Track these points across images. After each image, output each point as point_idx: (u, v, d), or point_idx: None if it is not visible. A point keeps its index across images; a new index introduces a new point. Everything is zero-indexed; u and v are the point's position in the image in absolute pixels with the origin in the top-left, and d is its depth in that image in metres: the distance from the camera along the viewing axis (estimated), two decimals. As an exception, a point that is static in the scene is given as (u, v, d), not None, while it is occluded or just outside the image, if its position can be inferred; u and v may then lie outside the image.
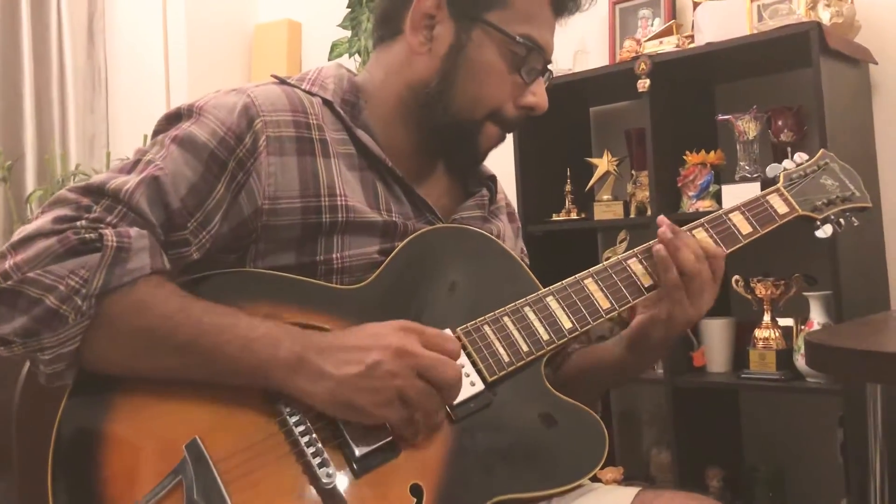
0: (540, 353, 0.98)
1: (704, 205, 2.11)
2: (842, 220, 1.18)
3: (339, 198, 0.98)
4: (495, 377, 0.95)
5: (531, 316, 1.00)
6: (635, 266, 1.05)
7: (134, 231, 0.85)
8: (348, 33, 3.33)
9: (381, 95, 1.06)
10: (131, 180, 0.89)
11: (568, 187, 2.43)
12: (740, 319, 2.18)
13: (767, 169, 1.21)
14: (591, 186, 2.43)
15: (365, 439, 0.87)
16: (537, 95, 1.04)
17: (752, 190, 1.98)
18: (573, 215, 2.40)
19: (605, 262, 1.06)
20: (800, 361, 1.94)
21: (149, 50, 3.58)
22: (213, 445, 0.83)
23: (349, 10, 3.34)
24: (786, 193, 1.15)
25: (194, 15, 3.52)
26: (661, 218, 1.06)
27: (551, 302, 1.01)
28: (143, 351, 0.85)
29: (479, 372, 0.95)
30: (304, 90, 1.03)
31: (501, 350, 0.97)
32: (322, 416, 0.87)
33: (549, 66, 1.06)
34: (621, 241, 2.32)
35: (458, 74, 1.01)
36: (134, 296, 0.84)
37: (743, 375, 2.03)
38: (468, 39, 1.00)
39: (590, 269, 1.05)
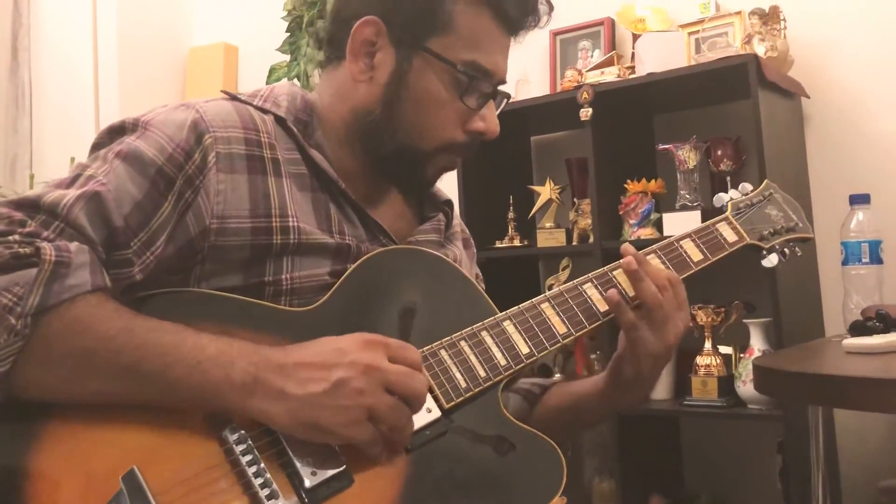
0: (497, 378, 0.96)
1: (646, 232, 2.13)
2: (786, 250, 1.20)
3: (290, 219, 0.94)
4: (452, 404, 0.92)
5: (488, 341, 0.97)
6: (591, 291, 1.04)
7: (74, 246, 0.80)
8: (287, 57, 3.29)
9: (329, 117, 1.03)
10: (70, 194, 0.83)
11: (511, 214, 2.43)
12: (681, 346, 2.17)
13: (714, 199, 1.23)
14: (533, 214, 2.43)
15: (316, 468, 0.82)
16: (486, 121, 1.01)
17: (694, 218, 2.01)
18: (516, 242, 2.40)
19: (560, 287, 1.05)
20: (741, 388, 1.96)
21: (77, 69, 3.46)
22: (153, 476, 0.77)
23: (288, 34, 3.30)
24: (734, 222, 1.16)
25: (127, 36, 3.43)
26: (626, 246, 1.03)
27: (508, 326, 0.99)
28: (82, 375, 0.79)
29: (435, 399, 0.92)
30: (255, 107, 0.99)
31: (458, 376, 0.94)
32: (271, 443, 0.83)
33: (503, 88, 1.04)
34: (564, 269, 2.32)
35: (401, 103, 0.98)
36: (73, 314, 0.78)
37: (685, 402, 2.04)
38: (409, 67, 0.98)
39: (546, 294, 1.03)
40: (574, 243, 2.30)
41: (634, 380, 1.03)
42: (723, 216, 1.18)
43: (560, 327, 1.01)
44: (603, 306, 1.03)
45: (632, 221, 2.14)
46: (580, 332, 1.03)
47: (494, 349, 0.97)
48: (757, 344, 1.97)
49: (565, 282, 2.31)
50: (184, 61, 3.65)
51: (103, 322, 0.79)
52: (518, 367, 0.97)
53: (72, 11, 3.51)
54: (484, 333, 0.97)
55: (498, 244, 2.40)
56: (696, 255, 1.11)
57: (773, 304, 1.87)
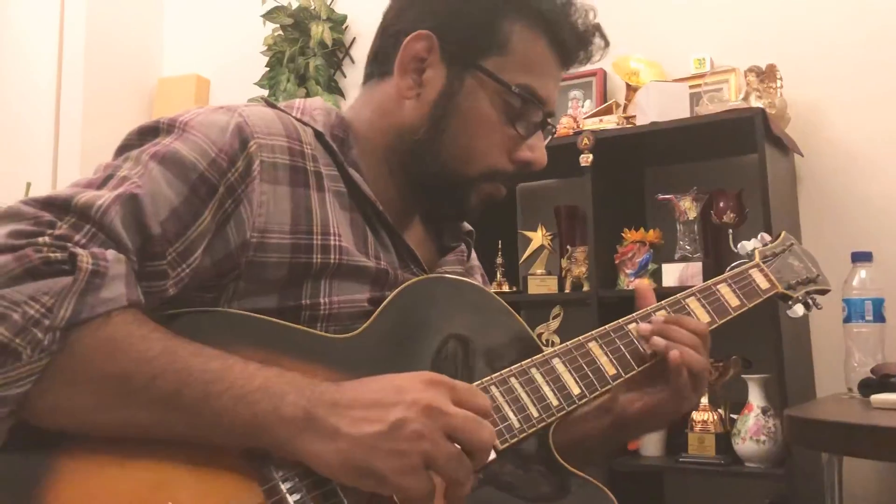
0: (550, 419, 0.89)
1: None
2: (809, 301, 1.19)
3: (332, 237, 0.87)
4: (506, 445, 0.84)
5: (539, 378, 0.91)
6: (637, 332, 0.99)
7: (111, 254, 0.71)
8: (261, 91, 3.23)
9: (368, 135, 0.97)
10: (105, 196, 0.74)
11: (499, 260, 2.38)
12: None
13: (738, 246, 1.23)
14: (524, 260, 2.38)
15: None
16: (535, 150, 0.97)
17: (695, 269, 1.98)
18: (505, 288, 2.34)
19: (606, 326, 1.00)
20: (740, 445, 1.90)
21: (39, 96, 3.34)
22: None
23: (268, 69, 3.25)
24: (766, 269, 1.15)
25: (94, 62, 3.34)
26: (639, 282, 1.01)
27: (557, 364, 0.93)
28: (113, 400, 0.69)
29: (489, 439, 0.83)
30: (295, 118, 0.92)
31: (511, 415, 0.86)
32: (319, 482, 0.74)
33: (551, 120, 1.00)
34: (555, 317, 2.26)
35: (449, 123, 0.93)
36: (107, 332, 0.68)
37: (681, 459, 1.98)
38: (461, 86, 0.93)
39: (592, 332, 0.98)
40: (567, 291, 2.25)
41: (660, 428, 1.03)
42: (753, 263, 1.17)
43: (609, 368, 0.96)
44: (650, 349, 0.98)
45: (628, 271, 2.10)
46: (629, 375, 0.98)
47: (545, 388, 0.90)
48: (756, 400, 1.92)
49: (555, 331, 2.27)
50: (151, 91, 3.56)
51: (141, 342, 0.70)
52: (570, 408, 0.91)
53: (38, 34, 3.40)
54: (534, 371, 0.91)
55: (486, 289, 2.33)
56: (733, 301, 1.09)
57: (776, 361, 1.83)
